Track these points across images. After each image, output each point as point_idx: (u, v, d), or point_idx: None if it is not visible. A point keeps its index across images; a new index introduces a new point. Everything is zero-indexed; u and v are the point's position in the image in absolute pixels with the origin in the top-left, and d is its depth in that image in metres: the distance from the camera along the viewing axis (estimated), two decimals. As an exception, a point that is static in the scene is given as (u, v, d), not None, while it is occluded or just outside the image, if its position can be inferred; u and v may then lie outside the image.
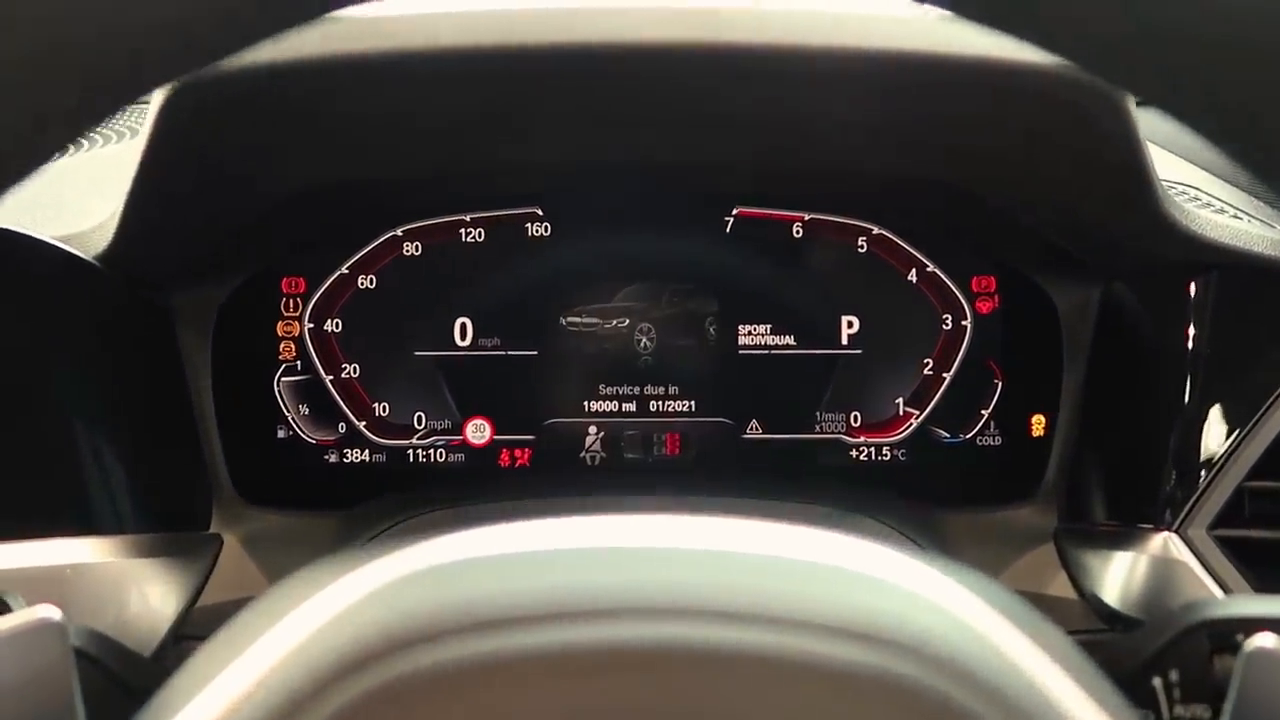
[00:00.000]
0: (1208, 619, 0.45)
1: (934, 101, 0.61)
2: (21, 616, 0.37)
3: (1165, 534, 0.71)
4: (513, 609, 0.27)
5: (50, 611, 0.37)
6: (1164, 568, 0.70)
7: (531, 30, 0.53)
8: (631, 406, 0.83)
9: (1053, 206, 0.74)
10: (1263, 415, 0.71)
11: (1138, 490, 0.75)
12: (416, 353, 0.82)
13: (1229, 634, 0.44)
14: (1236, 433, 0.71)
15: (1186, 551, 0.70)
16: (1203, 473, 0.71)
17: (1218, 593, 0.68)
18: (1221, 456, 0.71)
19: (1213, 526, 0.71)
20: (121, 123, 0.87)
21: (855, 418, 0.83)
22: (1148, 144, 0.65)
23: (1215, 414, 0.73)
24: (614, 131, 0.69)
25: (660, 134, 0.68)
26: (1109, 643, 0.70)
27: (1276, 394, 0.71)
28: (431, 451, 0.83)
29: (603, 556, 0.30)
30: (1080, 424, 0.81)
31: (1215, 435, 0.72)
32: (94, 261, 0.71)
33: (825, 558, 0.30)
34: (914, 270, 0.82)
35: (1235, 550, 0.70)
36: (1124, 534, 0.73)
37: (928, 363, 0.83)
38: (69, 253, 0.70)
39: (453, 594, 0.28)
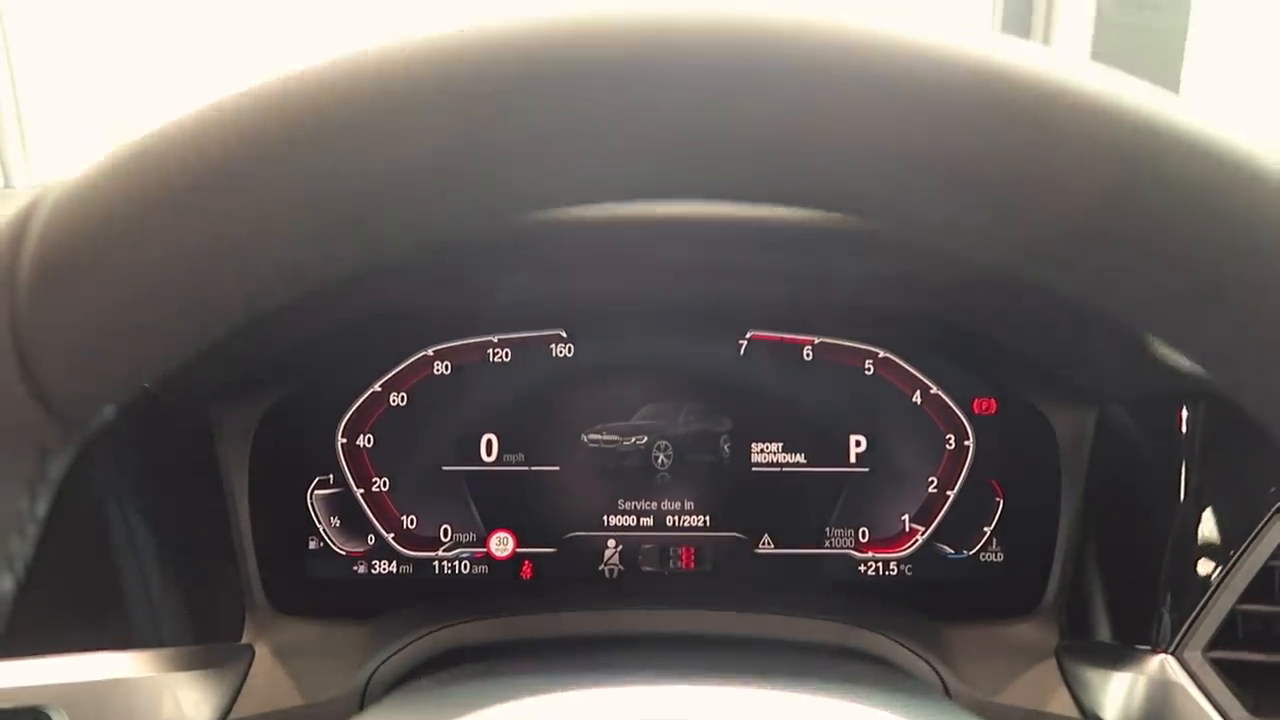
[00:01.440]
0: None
1: (944, 262, 0.65)
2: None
3: (1162, 656, 0.74)
4: None
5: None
6: (1161, 690, 0.73)
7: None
8: (649, 521, 0.86)
9: (1047, 343, 0.78)
10: (1254, 538, 0.74)
11: (1135, 610, 0.78)
12: (444, 467, 0.86)
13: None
14: (1229, 555, 0.74)
15: (1183, 674, 0.73)
16: (1198, 594, 0.75)
17: (1214, 717, 0.70)
18: (1215, 579, 0.74)
19: (1208, 648, 0.73)
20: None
21: (863, 533, 0.87)
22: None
23: (1208, 537, 0.76)
24: (640, 276, 0.74)
25: (684, 281, 0.73)
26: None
27: (1267, 517, 0.74)
28: (456, 563, 0.86)
29: None
30: (1079, 543, 0.84)
31: (1208, 558, 0.76)
32: (141, 381, 0.74)
33: None
34: (918, 392, 0.86)
35: (1230, 672, 0.73)
36: (1123, 654, 0.76)
37: (932, 481, 0.87)
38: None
39: None
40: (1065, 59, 0.29)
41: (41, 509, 0.32)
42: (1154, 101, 0.29)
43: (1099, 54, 1.06)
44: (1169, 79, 1.07)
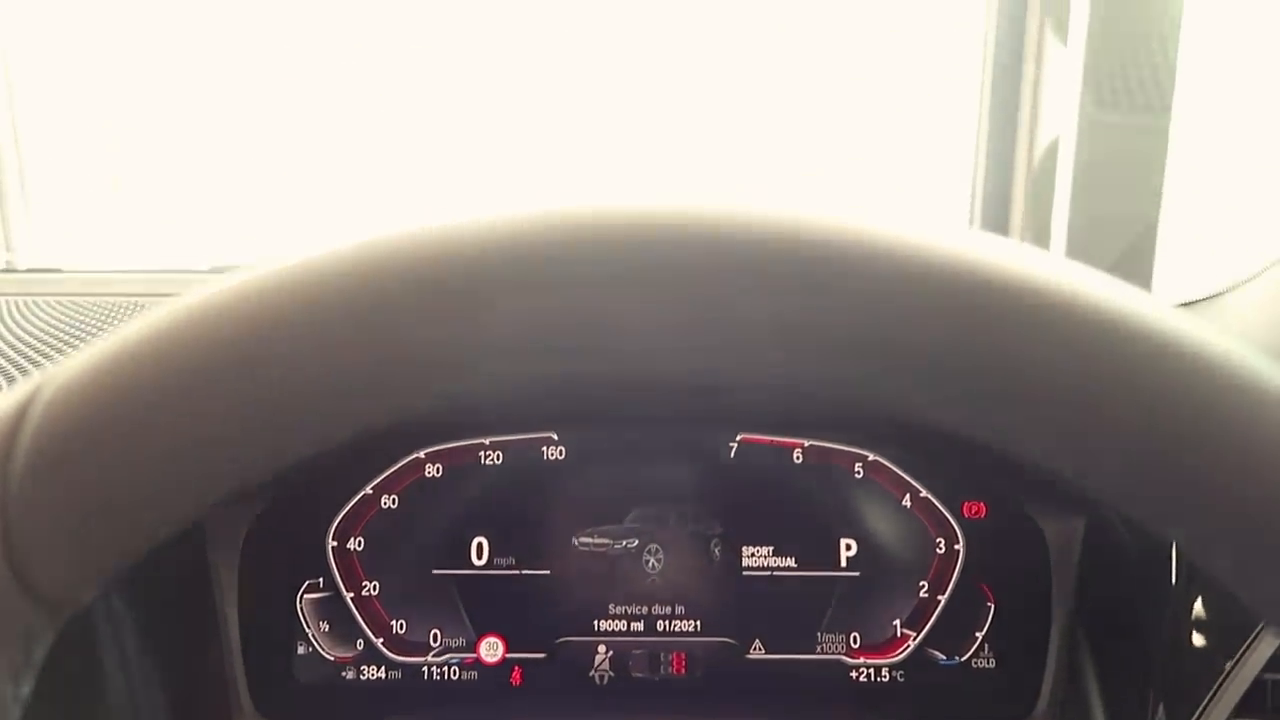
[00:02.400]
0: None
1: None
2: None
3: (1157, 770, 0.73)
4: None
5: None
6: (1156, 808, 0.72)
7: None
8: (640, 625, 0.86)
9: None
10: (1245, 650, 0.74)
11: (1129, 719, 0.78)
12: (434, 571, 0.85)
13: None
14: (1222, 668, 0.74)
15: (1178, 789, 0.72)
16: (1192, 706, 0.74)
17: (1209, 835, 0.70)
18: (1208, 690, 0.74)
19: (1204, 761, 0.73)
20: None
21: (855, 638, 0.86)
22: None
23: (1199, 648, 0.76)
24: (630, 394, 0.75)
25: (673, 396, 0.74)
26: None
27: (1259, 629, 0.74)
28: (445, 669, 0.85)
29: None
30: (1072, 650, 0.84)
31: (1200, 669, 0.75)
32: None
33: None
34: (908, 496, 0.86)
35: (1226, 786, 0.72)
36: (1117, 767, 0.76)
37: (923, 585, 0.86)
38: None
39: None
40: (1047, 261, 0.31)
41: (25, 691, 0.32)
42: (1124, 301, 0.30)
43: (1082, 154, 1.09)
44: (1152, 179, 1.09)
